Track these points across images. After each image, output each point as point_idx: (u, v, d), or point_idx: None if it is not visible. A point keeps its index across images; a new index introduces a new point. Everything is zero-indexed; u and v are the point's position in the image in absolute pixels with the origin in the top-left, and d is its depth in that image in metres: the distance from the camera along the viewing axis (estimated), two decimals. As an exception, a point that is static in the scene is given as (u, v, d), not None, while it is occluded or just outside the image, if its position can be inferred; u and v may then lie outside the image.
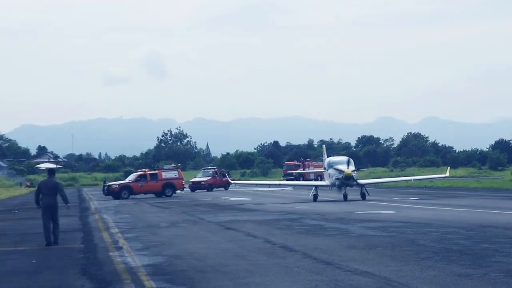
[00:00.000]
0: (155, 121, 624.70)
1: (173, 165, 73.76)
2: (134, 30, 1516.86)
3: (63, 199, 21.75)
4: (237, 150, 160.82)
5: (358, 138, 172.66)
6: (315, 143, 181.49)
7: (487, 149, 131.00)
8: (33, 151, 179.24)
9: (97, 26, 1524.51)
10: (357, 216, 29.24)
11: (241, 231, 23.93)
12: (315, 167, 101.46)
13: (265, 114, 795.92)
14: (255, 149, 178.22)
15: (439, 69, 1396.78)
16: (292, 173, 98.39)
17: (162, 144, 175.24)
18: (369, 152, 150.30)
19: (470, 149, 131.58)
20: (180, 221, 29.94)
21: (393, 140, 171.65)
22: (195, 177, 76.42)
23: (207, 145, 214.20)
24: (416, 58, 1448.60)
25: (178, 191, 61.55)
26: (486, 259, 15.41)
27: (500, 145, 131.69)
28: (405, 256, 16.25)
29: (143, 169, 64.42)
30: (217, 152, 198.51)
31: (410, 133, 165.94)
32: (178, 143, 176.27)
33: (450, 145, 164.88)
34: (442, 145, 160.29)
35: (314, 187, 45.68)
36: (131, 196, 58.06)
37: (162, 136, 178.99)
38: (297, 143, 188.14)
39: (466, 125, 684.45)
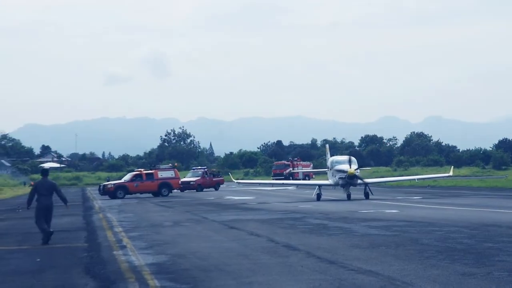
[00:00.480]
0: (158, 121, 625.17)
1: (169, 164, 73.94)
2: (134, 30, 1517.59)
3: (62, 199, 21.78)
4: (240, 150, 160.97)
5: (362, 137, 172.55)
6: (318, 142, 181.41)
7: (490, 149, 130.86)
8: (37, 151, 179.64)
9: (97, 26, 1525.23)
10: (360, 215, 29.24)
11: (244, 230, 23.93)
12: (304, 166, 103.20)
13: (267, 113, 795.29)
14: (258, 148, 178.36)
15: (440, 69, 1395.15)
16: (282, 172, 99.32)
17: (166, 144, 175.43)
18: (372, 151, 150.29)
19: (473, 149, 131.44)
20: (183, 220, 29.96)
21: (396, 139, 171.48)
22: (184, 177, 76.40)
23: (210, 144, 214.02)
24: (416, 58, 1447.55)
25: (174, 191, 61.75)
26: (490, 258, 15.38)
27: (504, 144, 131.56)
28: (408, 255, 16.23)
29: (139, 169, 64.84)
30: (220, 151, 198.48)
31: (414, 132, 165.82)
32: (182, 143, 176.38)
33: (454, 145, 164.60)
34: (446, 144, 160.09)
35: (317, 187, 45.72)
36: (127, 196, 58.38)
37: (166, 135, 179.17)
38: (300, 143, 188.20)
39: (470, 125, 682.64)
